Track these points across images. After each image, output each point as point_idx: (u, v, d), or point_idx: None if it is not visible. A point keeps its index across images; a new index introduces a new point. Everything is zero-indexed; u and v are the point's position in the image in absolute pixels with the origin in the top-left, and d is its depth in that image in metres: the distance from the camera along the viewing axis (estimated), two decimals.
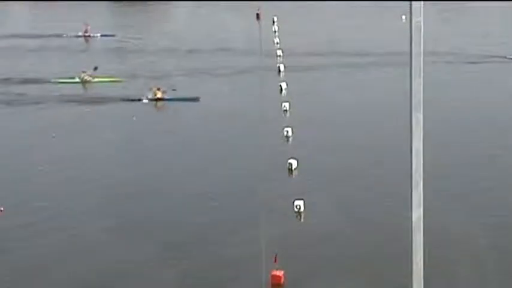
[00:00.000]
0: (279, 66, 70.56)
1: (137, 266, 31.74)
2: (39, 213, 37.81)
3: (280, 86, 63.06)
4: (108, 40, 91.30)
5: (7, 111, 58.79)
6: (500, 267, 30.95)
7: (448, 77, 66.85)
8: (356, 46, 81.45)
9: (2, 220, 36.46)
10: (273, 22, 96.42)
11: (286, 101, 57.41)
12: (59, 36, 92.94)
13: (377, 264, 31.15)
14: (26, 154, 47.72)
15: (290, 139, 49.43)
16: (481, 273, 30.35)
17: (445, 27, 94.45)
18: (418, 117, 12.18)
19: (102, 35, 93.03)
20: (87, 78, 66.55)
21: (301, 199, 37.08)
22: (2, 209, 37.20)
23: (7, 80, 67.57)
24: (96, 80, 66.53)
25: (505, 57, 74.96)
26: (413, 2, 11.65)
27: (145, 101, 59.50)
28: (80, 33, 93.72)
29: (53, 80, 66.58)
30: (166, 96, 59.70)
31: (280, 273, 29.64)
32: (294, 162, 43.23)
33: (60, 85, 65.48)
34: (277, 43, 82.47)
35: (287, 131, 49.84)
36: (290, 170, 43.01)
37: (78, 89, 65.06)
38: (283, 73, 69.21)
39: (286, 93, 61.88)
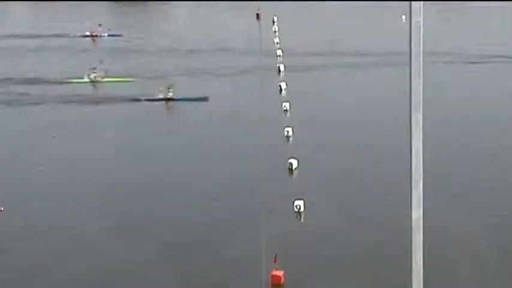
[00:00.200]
0: (279, 66, 70.56)
1: (138, 265, 31.72)
2: (42, 213, 37.84)
3: (280, 86, 63.05)
4: (112, 40, 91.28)
5: (18, 111, 58.65)
6: (501, 267, 30.93)
7: (448, 77, 66.80)
8: (356, 46, 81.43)
9: (2, 220, 36.46)
10: (273, 22, 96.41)
11: (287, 101, 57.41)
12: (66, 36, 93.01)
13: (377, 264, 31.14)
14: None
15: (290, 139, 49.41)
16: (481, 274, 30.34)
17: (445, 27, 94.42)
18: (417, 117, 12.19)
19: (109, 35, 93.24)
20: (97, 78, 66.75)
21: (301, 199, 37.08)
22: (2, 209, 37.20)
23: (19, 80, 67.79)
24: (105, 79, 66.76)
25: (505, 57, 74.97)
26: (413, 2, 11.66)
27: (156, 100, 59.74)
28: (87, 33, 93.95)
29: (63, 80, 66.68)
30: (176, 96, 59.81)
31: (280, 273, 29.65)
32: (295, 162, 43.23)
33: (70, 85, 65.62)
34: (277, 43, 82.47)
35: (287, 131, 49.83)
36: (290, 169, 43.01)
37: (88, 89, 65.12)
38: (283, 73, 69.19)
39: (286, 93, 61.87)
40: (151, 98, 59.99)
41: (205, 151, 47.84)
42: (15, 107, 59.81)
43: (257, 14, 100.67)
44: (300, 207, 36.72)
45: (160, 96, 60.00)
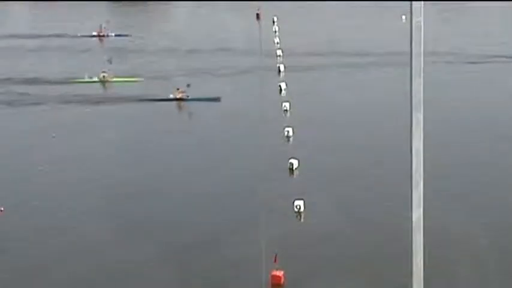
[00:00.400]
0: (279, 66, 70.57)
1: (137, 265, 31.73)
2: (44, 213, 37.88)
3: (280, 86, 63.06)
4: (118, 40, 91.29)
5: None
6: (501, 267, 30.93)
7: (448, 77, 66.80)
8: (356, 46, 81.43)
9: (2, 220, 36.46)
10: (273, 22, 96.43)
11: (287, 101, 57.42)
12: (73, 36, 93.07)
13: (377, 264, 31.14)
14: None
15: (291, 139, 49.42)
16: (481, 274, 30.35)
17: (445, 27, 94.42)
18: (418, 117, 12.17)
19: (116, 35, 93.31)
20: (106, 77, 66.90)
21: (301, 199, 37.08)
22: (2, 209, 37.20)
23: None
24: (114, 79, 66.86)
25: (505, 57, 74.99)
26: (413, 2, 11.64)
27: (170, 98, 59.81)
28: (94, 33, 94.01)
29: (72, 80, 66.77)
30: (188, 96, 59.82)
31: (280, 273, 29.65)
32: (295, 162, 43.24)
33: (79, 85, 65.71)
34: (277, 43, 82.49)
35: (287, 131, 49.84)
36: (291, 169, 43.02)
37: (98, 89, 65.20)
38: (283, 73, 69.20)
39: (286, 93, 61.88)
40: (163, 98, 59.83)
41: (205, 151, 47.84)
42: (26, 107, 59.59)
43: (257, 14, 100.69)
44: (300, 207, 36.72)
45: (172, 96, 59.93)
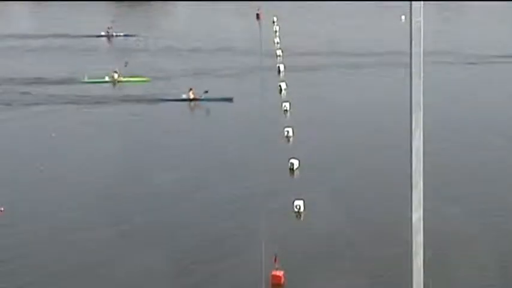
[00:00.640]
0: (279, 66, 70.57)
1: (137, 265, 31.74)
2: (42, 213, 37.89)
3: (280, 86, 63.07)
4: (124, 40, 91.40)
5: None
6: (501, 267, 30.92)
7: (448, 77, 66.80)
8: (356, 46, 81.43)
9: (2, 220, 36.44)
10: (273, 22, 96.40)
11: (287, 101, 57.43)
12: (81, 36, 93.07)
13: (377, 264, 31.13)
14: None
15: (291, 139, 49.41)
16: (481, 274, 30.35)
17: (445, 27, 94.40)
18: (418, 117, 12.15)
19: (124, 35, 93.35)
20: (117, 78, 66.94)
21: (301, 199, 37.08)
22: (2, 209, 37.19)
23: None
24: (125, 79, 66.95)
25: (505, 57, 74.94)
26: (413, 2, 11.62)
27: (183, 98, 59.76)
28: (102, 33, 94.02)
29: (83, 80, 66.87)
30: (200, 96, 59.82)
31: (280, 273, 29.65)
32: (296, 162, 43.23)
33: (90, 85, 65.77)
34: (277, 43, 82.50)
35: (287, 131, 49.84)
36: (291, 170, 43.02)
37: (110, 89, 65.25)
38: (283, 73, 69.20)
39: (287, 93, 61.87)
40: (177, 98, 59.77)
41: (205, 150, 47.85)
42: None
43: (257, 14, 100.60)
44: (299, 207, 36.72)
45: (184, 96, 59.89)
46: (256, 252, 28.97)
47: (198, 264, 31.65)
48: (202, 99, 59.57)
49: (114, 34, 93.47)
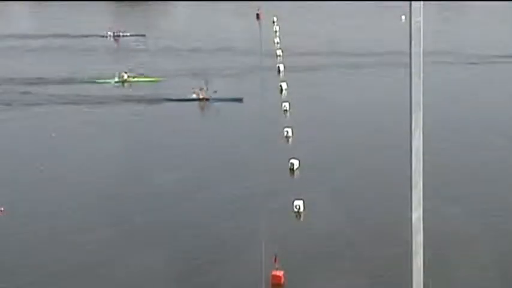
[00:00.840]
0: (278, 66, 70.54)
1: (136, 265, 31.73)
2: (43, 213, 37.89)
3: (281, 86, 63.03)
4: (133, 40, 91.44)
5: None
6: (501, 267, 30.90)
7: (448, 77, 66.77)
8: (356, 46, 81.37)
9: (2, 220, 36.43)
10: (273, 22, 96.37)
11: (286, 101, 57.41)
12: (89, 36, 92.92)
13: (377, 264, 31.11)
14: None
15: (290, 139, 49.39)
16: (481, 274, 30.34)
17: (445, 27, 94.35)
18: (418, 117, 12.16)
19: (131, 35, 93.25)
20: (126, 78, 66.95)
21: (301, 199, 37.07)
22: (2, 209, 37.19)
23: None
24: (135, 79, 66.97)
25: (506, 57, 74.92)
26: (413, 2, 11.62)
27: (194, 96, 59.57)
28: (110, 33, 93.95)
29: (92, 80, 66.82)
30: (210, 96, 59.81)
31: (280, 273, 29.65)
32: (296, 162, 43.22)
33: (100, 85, 65.72)
34: (277, 43, 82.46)
35: (287, 131, 49.82)
36: (291, 170, 43.00)
37: (119, 89, 65.20)
38: (283, 73, 69.16)
39: (287, 93, 61.84)
40: (187, 98, 59.71)
41: (206, 150, 47.84)
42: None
43: (257, 14, 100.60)
44: (299, 207, 36.71)
45: (194, 96, 59.80)
46: (256, 252, 28.99)
47: (198, 264, 31.61)
48: (212, 99, 59.44)
49: (121, 34, 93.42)
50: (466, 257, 31.55)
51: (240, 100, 59.11)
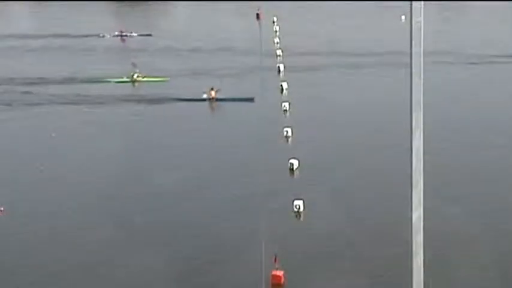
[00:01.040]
0: (278, 66, 70.58)
1: (135, 265, 31.73)
2: (43, 213, 37.89)
3: (281, 85, 63.05)
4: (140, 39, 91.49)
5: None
6: (500, 267, 30.90)
7: (448, 77, 66.79)
8: (356, 46, 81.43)
9: (2, 220, 36.43)
10: (273, 22, 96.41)
11: (286, 101, 57.43)
12: (95, 36, 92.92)
13: (377, 264, 31.12)
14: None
15: (290, 139, 49.40)
16: (481, 274, 30.34)
17: (445, 27, 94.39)
18: (418, 117, 12.15)
19: (139, 35, 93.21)
20: (136, 77, 67.00)
21: (301, 199, 37.07)
22: (2, 209, 37.19)
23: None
24: (145, 79, 67.01)
25: (506, 57, 74.92)
26: (413, 2, 11.62)
27: (204, 95, 59.51)
28: (116, 33, 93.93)
29: (102, 80, 66.85)
30: (221, 96, 59.80)
31: (280, 273, 29.65)
32: (295, 162, 43.23)
33: (109, 84, 65.73)
34: (277, 43, 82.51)
35: (287, 131, 49.84)
36: (291, 170, 43.01)
37: (129, 89, 65.19)
38: (283, 73, 69.20)
39: (287, 93, 61.85)
40: (196, 98, 59.68)
41: (205, 150, 47.85)
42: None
43: (257, 14, 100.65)
44: (299, 207, 36.72)
45: (205, 96, 59.78)
46: (256, 252, 28.99)
47: (198, 264, 31.62)
48: (223, 99, 59.38)
49: (129, 34, 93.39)
50: (466, 257, 31.55)
51: (251, 100, 58.72)
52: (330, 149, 47.51)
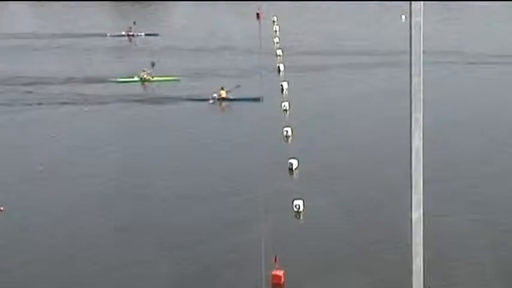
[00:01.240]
0: (279, 66, 70.59)
1: (135, 263, 31.73)
2: (42, 213, 37.91)
3: (281, 85, 63.06)
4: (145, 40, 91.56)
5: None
6: (500, 267, 30.91)
7: (447, 77, 66.80)
8: (356, 46, 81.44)
9: (2, 219, 36.44)
10: (273, 22, 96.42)
11: (286, 101, 57.44)
12: (102, 35, 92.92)
13: (377, 264, 31.12)
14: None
15: (289, 139, 49.42)
16: (481, 274, 30.34)
17: (445, 27, 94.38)
18: (417, 117, 12.13)
19: (146, 34, 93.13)
20: (146, 77, 66.96)
21: (301, 199, 37.08)
22: (2, 208, 37.20)
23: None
24: (154, 79, 66.94)
25: (506, 57, 74.92)
26: (413, 2, 11.60)
27: (211, 101, 59.44)
28: (124, 33, 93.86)
29: (113, 80, 66.87)
30: (229, 96, 59.71)
31: (280, 273, 29.64)
32: (295, 162, 43.24)
33: (120, 84, 65.73)
34: (277, 43, 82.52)
35: (287, 131, 49.86)
36: (291, 169, 43.03)
37: (139, 89, 65.19)
38: (283, 73, 69.21)
39: (287, 92, 61.87)
40: (204, 98, 59.60)
41: (205, 150, 47.86)
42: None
43: (257, 14, 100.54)
44: (299, 207, 36.73)
45: (215, 95, 59.66)
46: (256, 252, 28.98)
47: (197, 264, 31.64)
48: (231, 99, 59.34)
49: (136, 34, 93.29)
50: (466, 257, 31.56)
51: (258, 99, 58.55)
52: (330, 149, 47.52)
